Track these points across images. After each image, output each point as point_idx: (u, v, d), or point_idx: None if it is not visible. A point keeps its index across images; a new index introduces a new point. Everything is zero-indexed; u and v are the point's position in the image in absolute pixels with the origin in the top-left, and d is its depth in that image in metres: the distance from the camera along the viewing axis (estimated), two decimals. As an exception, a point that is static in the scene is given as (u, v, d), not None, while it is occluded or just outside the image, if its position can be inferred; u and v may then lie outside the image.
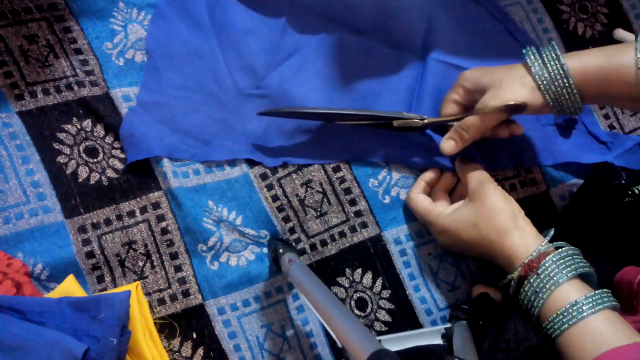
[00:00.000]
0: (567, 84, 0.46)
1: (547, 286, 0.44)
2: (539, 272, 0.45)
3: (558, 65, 0.46)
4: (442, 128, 0.55)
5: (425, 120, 0.52)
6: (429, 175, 0.55)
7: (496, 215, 0.48)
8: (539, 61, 0.48)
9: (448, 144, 0.51)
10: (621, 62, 0.45)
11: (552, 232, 0.48)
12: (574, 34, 0.64)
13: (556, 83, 0.47)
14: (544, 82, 0.47)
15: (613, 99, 0.47)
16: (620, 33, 0.64)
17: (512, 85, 0.48)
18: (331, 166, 0.55)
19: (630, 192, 0.54)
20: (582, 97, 0.47)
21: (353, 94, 0.56)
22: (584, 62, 0.46)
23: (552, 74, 0.47)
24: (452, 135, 0.51)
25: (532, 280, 0.45)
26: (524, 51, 0.49)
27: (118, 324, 0.43)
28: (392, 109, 0.55)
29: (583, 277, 0.46)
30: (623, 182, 0.54)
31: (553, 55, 0.47)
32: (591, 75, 0.46)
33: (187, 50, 0.54)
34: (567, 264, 0.45)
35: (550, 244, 0.46)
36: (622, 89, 0.45)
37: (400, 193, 0.56)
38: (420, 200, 0.53)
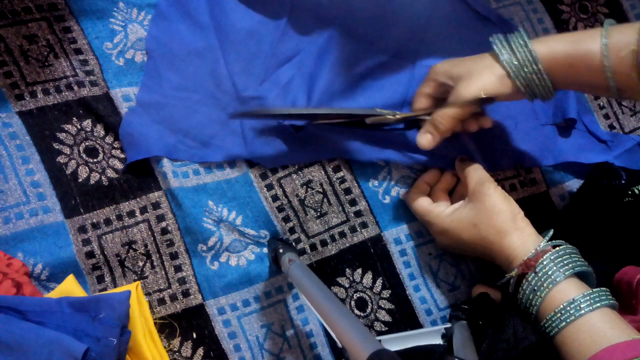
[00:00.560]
0: (536, 70, 0.46)
1: (545, 284, 0.44)
2: (537, 270, 0.45)
3: (526, 51, 0.46)
4: (415, 123, 0.55)
5: (398, 116, 0.52)
6: (429, 175, 0.55)
7: (496, 216, 0.48)
8: (507, 48, 0.47)
9: (425, 138, 0.51)
10: (588, 48, 0.45)
11: (551, 232, 0.48)
12: (574, 34, 0.64)
13: (525, 69, 0.47)
14: (513, 68, 0.47)
15: (581, 85, 0.47)
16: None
17: (482, 74, 0.48)
18: (331, 166, 0.55)
19: (630, 192, 0.54)
20: (553, 83, 0.47)
21: (347, 98, 0.56)
22: (552, 48, 0.46)
23: (520, 60, 0.46)
24: (427, 128, 0.51)
25: (530, 278, 0.45)
26: (491, 39, 0.49)
27: (118, 324, 0.43)
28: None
29: (581, 276, 0.46)
30: (623, 182, 0.54)
31: (521, 41, 0.47)
32: (559, 61, 0.46)
33: (187, 50, 0.55)
34: (564, 262, 0.45)
35: (549, 243, 0.46)
36: (589, 75, 0.45)
37: (400, 193, 0.56)
38: (420, 200, 0.53)
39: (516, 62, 0.47)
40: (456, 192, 0.55)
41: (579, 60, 0.45)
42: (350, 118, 0.53)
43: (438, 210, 0.52)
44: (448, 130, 0.50)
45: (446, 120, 0.49)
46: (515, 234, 0.47)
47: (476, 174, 0.51)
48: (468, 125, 0.52)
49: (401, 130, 0.56)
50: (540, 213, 0.58)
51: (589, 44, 0.45)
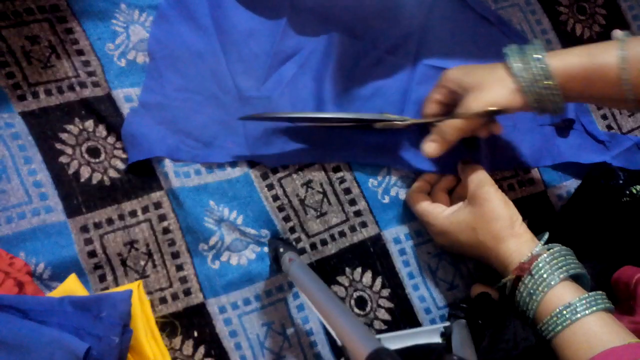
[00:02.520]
0: (549, 85, 0.46)
1: (541, 288, 0.44)
2: (533, 272, 0.45)
3: (540, 66, 0.46)
4: (426, 129, 0.55)
5: (407, 121, 0.52)
6: (429, 174, 0.55)
7: (494, 222, 0.48)
8: (520, 61, 0.47)
9: (430, 147, 0.50)
10: (604, 61, 0.44)
11: (546, 235, 0.48)
12: (572, 35, 0.64)
13: (538, 84, 0.46)
14: (526, 83, 0.46)
15: (596, 98, 0.47)
16: (618, 34, 0.64)
17: (493, 87, 0.47)
18: (331, 166, 0.55)
19: (627, 192, 0.54)
20: (565, 97, 0.47)
21: (348, 97, 0.56)
22: (568, 62, 0.45)
23: (533, 74, 0.46)
24: (433, 137, 0.50)
25: (526, 281, 0.45)
26: (504, 50, 0.48)
27: (120, 322, 0.43)
28: (384, 111, 0.55)
29: (576, 278, 0.46)
30: (621, 182, 0.54)
31: (535, 55, 0.46)
32: (574, 75, 0.45)
33: (189, 52, 0.55)
34: (559, 265, 0.45)
35: (544, 247, 0.46)
36: (605, 88, 0.45)
37: (400, 193, 0.56)
38: (420, 200, 0.54)
39: (529, 77, 0.46)
40: (456, 192, 0.56)
41: (595, 73, 0.44)
42: (359, 122, 0.53)
43: (437, 211, 0.52)
44: (454, 140, 0.50)
45: (453, 131, 0.49)
46: (512, 240, 0.47)
47: (477, 176, 0.50)
48: (479, 131, 0.51)
49: (408, 135, 0.56)
50: (538, 213, 0.58)
51: (605, 57, 0.44)
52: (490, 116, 0.48)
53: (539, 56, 0.46)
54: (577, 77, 0.45)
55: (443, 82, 0.51)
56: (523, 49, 0.47)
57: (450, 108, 0.52)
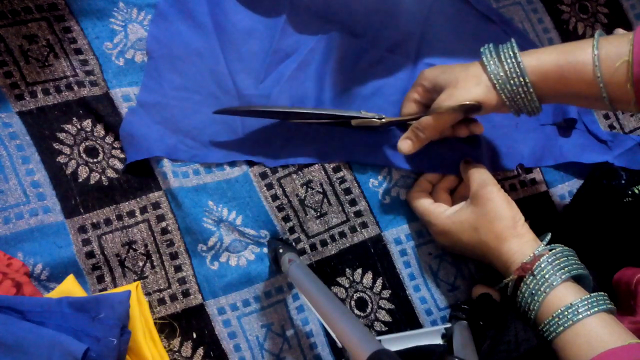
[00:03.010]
0: (523, 83, 0.45)
1: (542, 288, 0.44)
2: (535, 273, 0.45)
3: (515, 63, 0.45)
4: (406, 127, 0.55)
5: (384, 120, 0.52)
6: (431, 174, 0.55)
7: (497, 222, 0.47)
8: (495, 59, 0.46)
9: (404, 144, 0.51)
10: (579, 59, 0.44)
11: (548, 236, 0.48)
12: (574, 34, 0.64)
13: (512, 82, 0.46)
14: (500, 80, 0.46)
15: (571, 97, 0.46)
16: (620, 33, 0.64)
17: (467, 84, 0.47)
18: (331, 166, 0.55)
19: (630, 192, 0.54)
20: (539, 96, 0.46)
21: (348, 96, 0.56)
22: (542, 60, 0.45)
23: (508, 72, 0.46)
24: (408, 135, 0.51)
25: (528, 281, 0.45)
26: (481, 49, 0.48)
27: (118, 324, 0.43)
28: (384, 111, 0.55)
29: (578, 278, 0.46)
30: (623, 182, 0.54)
31: (510, 53, 0.46)
32: (549, 74, 0.45)
33: (187, 51, 0.55)
34: (561, 265, 0.45)
35: (546, 247, 0.46)
36: (579, 86, 0.44)
37: (401, 193, 0.56)
38: (421, 200, 0.53)
39: (503, 74, 0.46)
40: (457, 192, 0.55)
41: (570, 72, 0.44)
42: (335, 119, 0.53)
43: (439, 211, 0.52)
44: (428, 138, 0.50)
45: (427, 128, 0.49)
46: (514, 240, 0.47)
47: (480, 175, 0.50)
48: (458, 131, 0.52)
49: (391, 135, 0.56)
50: (540, 213, 0.58)
51: (580, 55, 0.44)
52: (465, 113, 0.48)
53: (514, 54, 0.46)
54: (551, 76, 0.45)
55: (420, 81, 0.51)
56: (498, 48, 0.47)
57: (427, 108, 0.52)
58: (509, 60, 0.46)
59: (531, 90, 0.46)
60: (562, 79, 0.45)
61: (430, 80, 0.50)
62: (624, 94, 0.43)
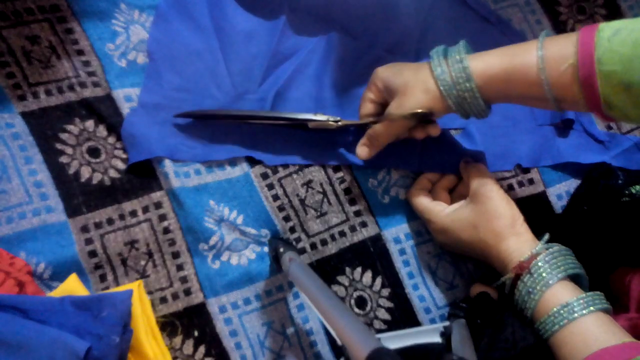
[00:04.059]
0: (469, 88, 0.45)
1: (539, 287, 0.44)
2: (532, 271, 0.45)
3: (461, 68, 0.45)
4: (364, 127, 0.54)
5: (340, 123, 0.52)
6: (430, 173, 0.56)
7: (496, 220, 0.48)
8: (443, 63, 0.46)
9: (362, 150, 0.52)
10: (524, 61, 0.44)
11: (547, 236, 0.48)
12: (572, 35, 0.64)
13: (458, 87, 0.46)
14: (446, 86, 0.46)
15: (519, 98, 0.46)
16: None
17: (415, 91, 0.47)
18: (331, 166, 0.55)
19: (627, 193, 0.54)
20: (486, 100, 0.46)
21: (347, 97, 0.57)
22: (488, 63, 0.45)
23: (454, 77, 0.45)
24: (364, 141, 0.52)
25: (525, 279, 0.45)
26: (431, 52, 0.48)
27: (120, 322, 0.43)
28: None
29: (575, 278, 0.46)
30: (620, 182, 0.55)
31: (458, 57, 0.46)
32: (495, 77, 0.45)
33: (187, 52, 0.55)
34: (558, 264, 0.45)
35: (543, 246, 0.47)
36: (525, 88, 0.44)
37: (400, 193, 0.56)
38: (421, 198, 0.54)
39: (449, 80, 0.46)
40: (457, 191, 0.56)
41: (515, 74, 0.44)
42: (292, 122, 0.53)
43: (438, 209, 0.52)
44: (384, 143, 0.51)
45: (382, 135, 0.50)
46: (512, 239, 0.47)
47: (479, 174, 0.51)
48: (415, 133, 0.52)
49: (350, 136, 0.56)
50: (538, 213, 0.58)
51: (524, 57, 0.44)
52: (417, 120, 0.48)
53: (461, 59, 0.46)
54: (497, 78, 0.45)
55: (374, 80, 0.51)
56: (447, 51, 0.47)
57: (384, 107, 0.52)
58: (456, 65, 0.46)
59: (477, 95, 0.46)
60: (508, 82, 0.45)
61: (382, 80, 0.50)
62: (570, 94, 0.43)
